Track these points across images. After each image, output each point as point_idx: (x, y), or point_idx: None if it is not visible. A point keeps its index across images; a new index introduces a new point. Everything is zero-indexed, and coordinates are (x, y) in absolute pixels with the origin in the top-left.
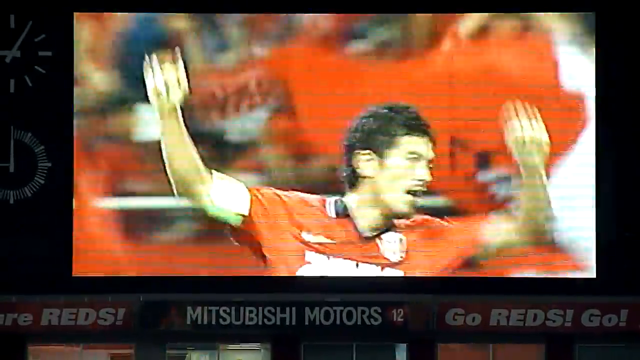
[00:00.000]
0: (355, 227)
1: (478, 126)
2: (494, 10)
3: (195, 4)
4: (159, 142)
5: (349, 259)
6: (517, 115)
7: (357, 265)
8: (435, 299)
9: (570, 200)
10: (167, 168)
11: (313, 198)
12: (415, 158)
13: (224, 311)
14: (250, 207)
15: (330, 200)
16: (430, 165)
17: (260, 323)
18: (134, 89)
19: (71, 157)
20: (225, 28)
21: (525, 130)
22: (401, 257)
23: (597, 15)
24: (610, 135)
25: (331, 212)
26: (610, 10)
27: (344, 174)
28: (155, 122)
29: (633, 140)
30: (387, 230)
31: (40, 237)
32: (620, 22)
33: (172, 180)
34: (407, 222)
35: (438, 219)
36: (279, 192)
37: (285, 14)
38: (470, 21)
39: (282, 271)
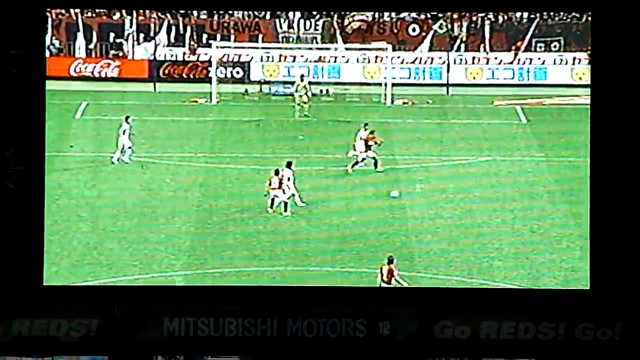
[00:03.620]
0: None
1: None
2: (493, 9)
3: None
4: None
5: None
6: None
7: None
8: (423, 310)
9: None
10: None
11: None
12: None
13: (202, 322)
14: None
15: None
16: None
17: (240, 335)
18: None
19: (43, 160)
20: None
21: None
22: None
23: (594, 16)
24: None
25: None
26: (607, 11)
27: None
28: None
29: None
30: None
31: (9, 245)
32: (616, 23)
33: None
34: None
35: None
36: None
37: None
38: None
39: None
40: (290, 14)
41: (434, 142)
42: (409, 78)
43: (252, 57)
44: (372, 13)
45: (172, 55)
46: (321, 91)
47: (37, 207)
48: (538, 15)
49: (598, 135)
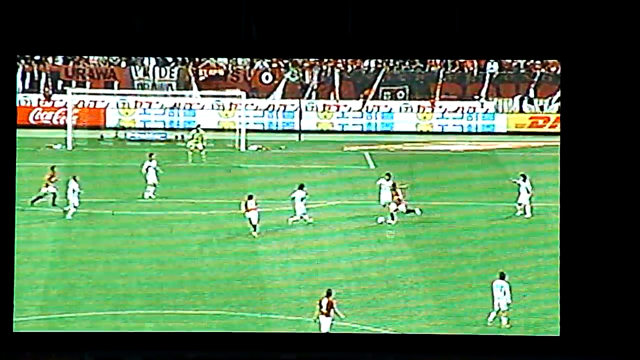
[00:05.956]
0: None
1: None
2: (465, 56)
3: (136, 48)
4: None
5: None
6: None
7: None
8: (400, 357)
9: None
10: None
11: None
12: None
13: None
14: None
15: None
16: None
17: None
18: None
19: (13, 212)
20: None
21: None
22: None
23: (562, 63)
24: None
25: None
26: (575, 58)
27: None
28: None
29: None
30: None
31: None
32: (584, 69)
33: None
34: None
35: None
36: None
37: None
38: None
39: None
40: (146, 60)
41: (287, 187)
42: (262, 124)
43: (107, 104)
44: (227, 61)
45: (26, 102)
46: (176, 137)
47: (7, 252)
48: (384, 64)
49: (567, 181)
